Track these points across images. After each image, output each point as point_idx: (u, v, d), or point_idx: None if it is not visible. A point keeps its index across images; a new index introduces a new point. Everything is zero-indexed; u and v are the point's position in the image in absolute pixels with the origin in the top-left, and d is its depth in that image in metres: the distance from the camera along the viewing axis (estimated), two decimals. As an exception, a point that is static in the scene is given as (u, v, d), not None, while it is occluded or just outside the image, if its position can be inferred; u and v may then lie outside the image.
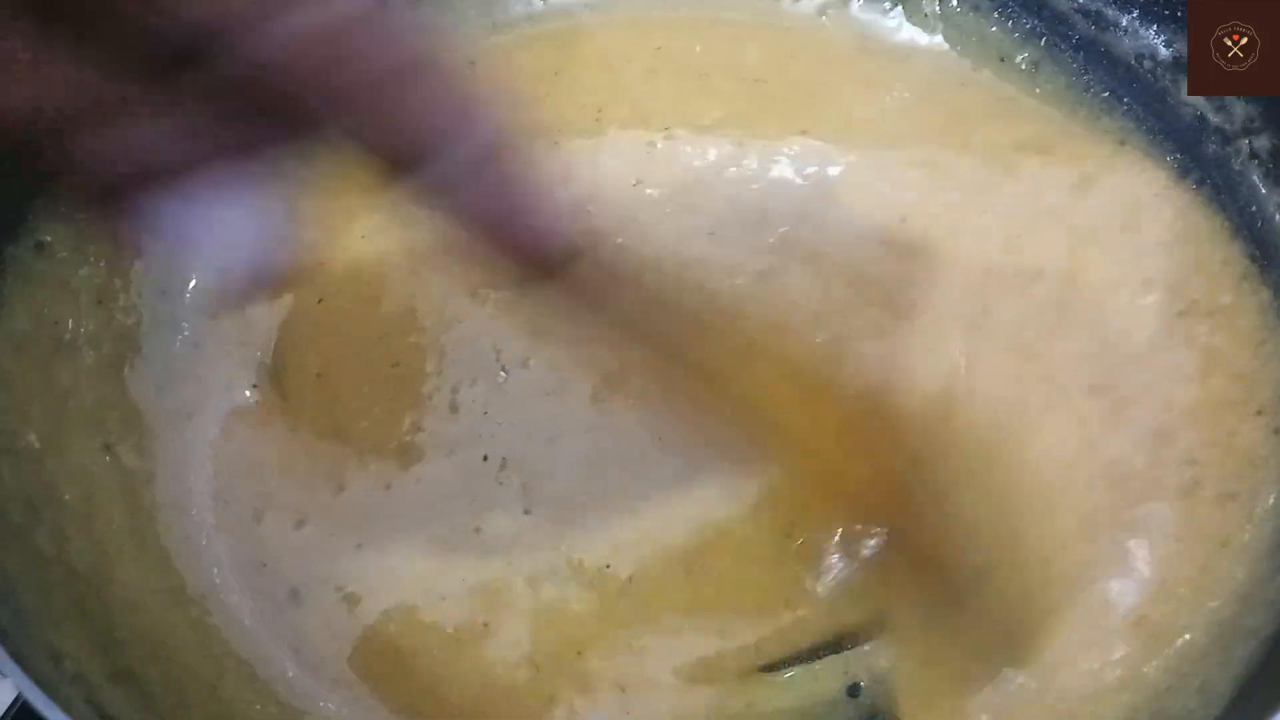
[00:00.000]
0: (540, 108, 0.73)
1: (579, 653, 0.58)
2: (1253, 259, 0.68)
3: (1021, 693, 0.57)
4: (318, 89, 0.33)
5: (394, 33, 0.34)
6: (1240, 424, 0.64)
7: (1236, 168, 0.69)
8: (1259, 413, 0.63)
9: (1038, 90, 0.76)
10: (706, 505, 0.61)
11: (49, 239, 0.64)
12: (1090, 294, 0.68)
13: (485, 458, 0.62)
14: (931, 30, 0.80)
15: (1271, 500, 0.61)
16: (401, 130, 0.35)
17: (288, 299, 0.67)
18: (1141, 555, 0.61)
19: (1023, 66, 0.77)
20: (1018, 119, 0.75)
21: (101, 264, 0.66)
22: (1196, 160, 0.71)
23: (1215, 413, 0.64)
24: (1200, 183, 0.71)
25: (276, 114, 0.33)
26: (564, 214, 0.39)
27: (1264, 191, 0.68)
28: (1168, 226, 0.71)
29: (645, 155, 0.73)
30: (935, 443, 0.62)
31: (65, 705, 0.46)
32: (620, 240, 0.66)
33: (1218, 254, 0.69)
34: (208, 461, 0.64)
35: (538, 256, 0.39)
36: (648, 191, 0.71)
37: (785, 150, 0.73)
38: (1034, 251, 0.70)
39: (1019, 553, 0.59)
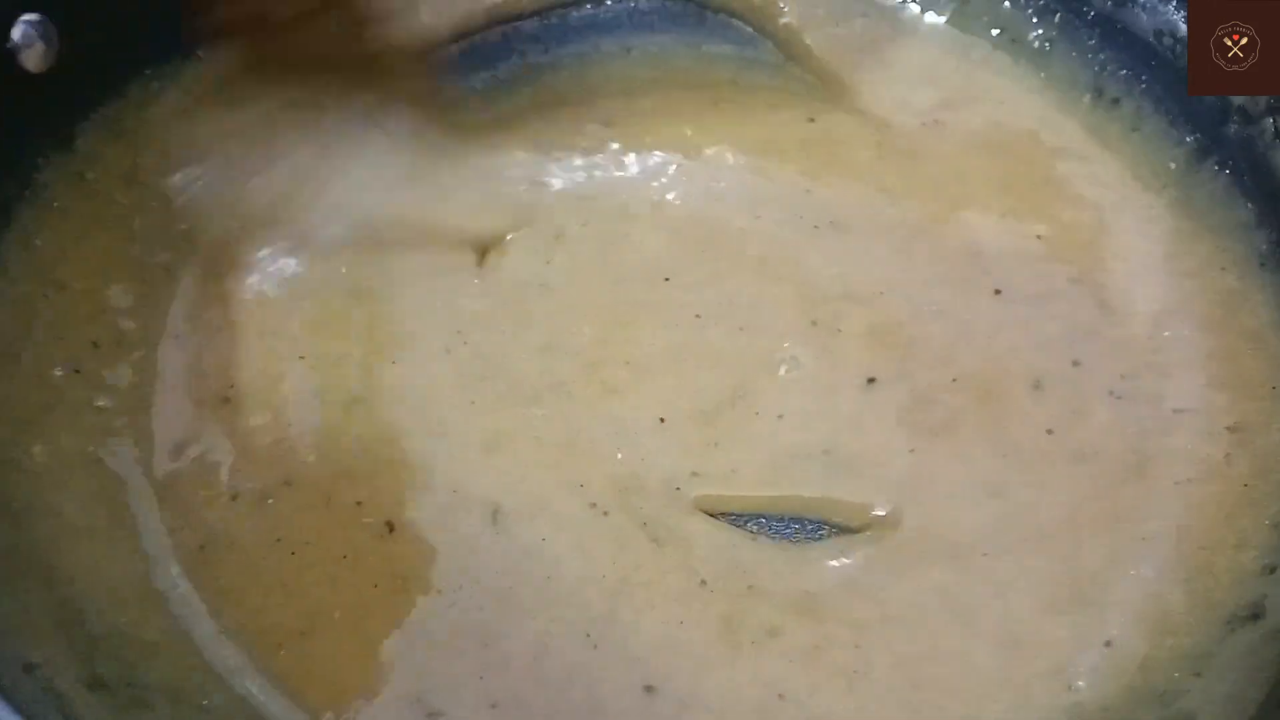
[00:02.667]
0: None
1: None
2: (1277, 244, 0.66)
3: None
4: None
5: None
6: (1262, 410, 0.62)
7: (1260, 149, 0.67)
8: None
9: (1043, 75, 0.74)
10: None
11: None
12: (1104, 280, 0.67)
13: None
14: (941, 9, 0.77)
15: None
16: None
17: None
18: (1161, 556, 0.59)
19: (1035, 45, 0.75)
20: (1028, 101, 0.73)
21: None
22: (1217, 142, 0.69)
23: (1234, 401, 0.62)
24: (1221, 165, 0.68)
25: None
26: None
27: (1287, 175, 0.66)
28: (1187, 212, 0.68)
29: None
30: None
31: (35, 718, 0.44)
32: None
33: (1239, 239, 0.66)
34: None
35: None
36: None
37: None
38: (1046, 237, 0.68)
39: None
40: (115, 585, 0.57)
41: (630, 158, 0.72)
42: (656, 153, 0.72)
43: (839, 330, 0.64)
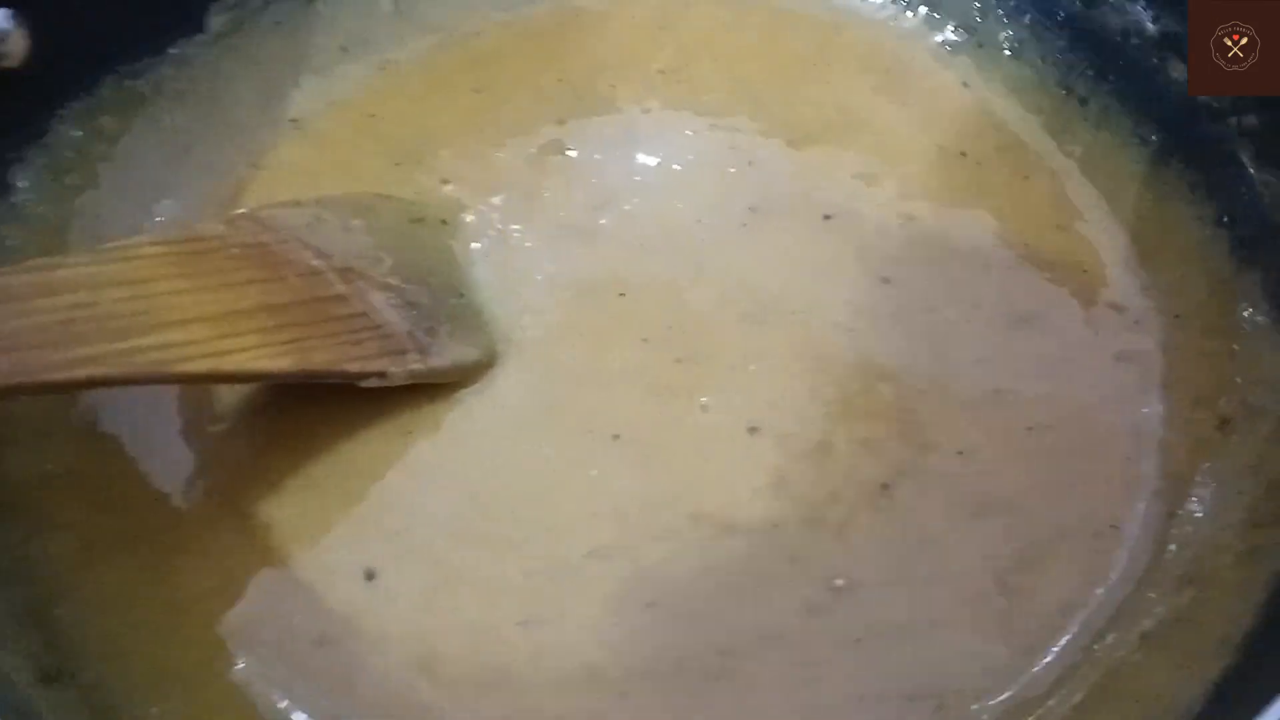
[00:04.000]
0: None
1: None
2: (1241, 242, 0.65)
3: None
4: None
5: None
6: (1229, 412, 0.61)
7: (1225, 148, 0.67)
8: (1244, 401, 0.61)
9: (1012, 75, 0.74)
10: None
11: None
12: (1067, 279, 0.66)
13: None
14: (914, 7, 0.77)
15: (1238, 489, 0.58)
16: None
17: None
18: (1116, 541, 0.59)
19: (1006, 48, 0.75)
20: (994, 100, 0.74)
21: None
22: (1182, 141, 0.69)
23: (1195, 405, 0.62)
24: (1186, 164, 0.68)
25: None
26: None
27: (1253, 172, 0.65)
28: (1150, 211, 0.68)
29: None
30: None
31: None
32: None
33: (1200, 239, 0.66)
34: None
35: None
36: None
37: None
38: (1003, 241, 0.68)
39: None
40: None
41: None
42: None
43: (750, 369, 0.64)
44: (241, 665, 0.56)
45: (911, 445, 0.61)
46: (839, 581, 0.57)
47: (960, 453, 0.60)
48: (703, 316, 0.65)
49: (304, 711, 0.55)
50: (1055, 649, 0.56)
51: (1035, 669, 0.55)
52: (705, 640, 0.55)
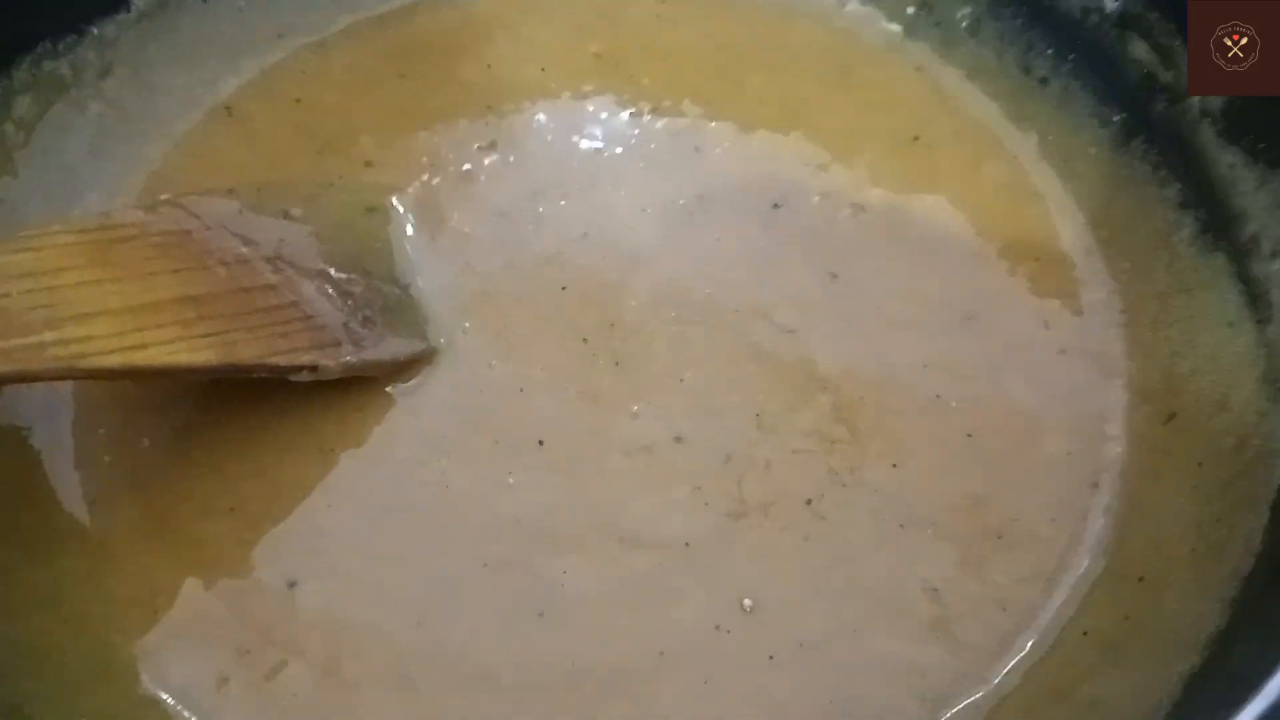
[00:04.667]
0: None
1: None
2: (1204, 226, 0.64)
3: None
4: None
5: None
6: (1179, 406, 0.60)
7: (1186, 127, 0.65)
8: (1196, 394, 0.59)
9: (971, 54, 0.72)
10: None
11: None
12: (1019, 270, 0.65)
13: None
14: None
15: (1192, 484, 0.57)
16: None
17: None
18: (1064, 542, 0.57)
19: (964, 24, 0.73)
20: (953, 82, 0.72)
21: None
22: (1144, 121, 0.67)
23: (1145, 399, 0.60)
24: (1148, 144, 0.67)
25: None
26: None
27: (1215, 152, 0.63)
28: (1110, 195, 0.67)
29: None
30: None
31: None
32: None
33: (1163, 224, 0.65)
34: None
35: None
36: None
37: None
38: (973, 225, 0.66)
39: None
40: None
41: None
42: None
43: (686, 375, 0.62)
44: (161, 676, 0.56)
45: (843, 458, 0.59)
46: (747, 602, 0.56)
47: (894, 465, 0.59)
48: (643, 315, 0.63)
49: None
50: (1003, 655, 0.54)
51: (983, 676, 0.54)
52: (599, 654, 0.55)
